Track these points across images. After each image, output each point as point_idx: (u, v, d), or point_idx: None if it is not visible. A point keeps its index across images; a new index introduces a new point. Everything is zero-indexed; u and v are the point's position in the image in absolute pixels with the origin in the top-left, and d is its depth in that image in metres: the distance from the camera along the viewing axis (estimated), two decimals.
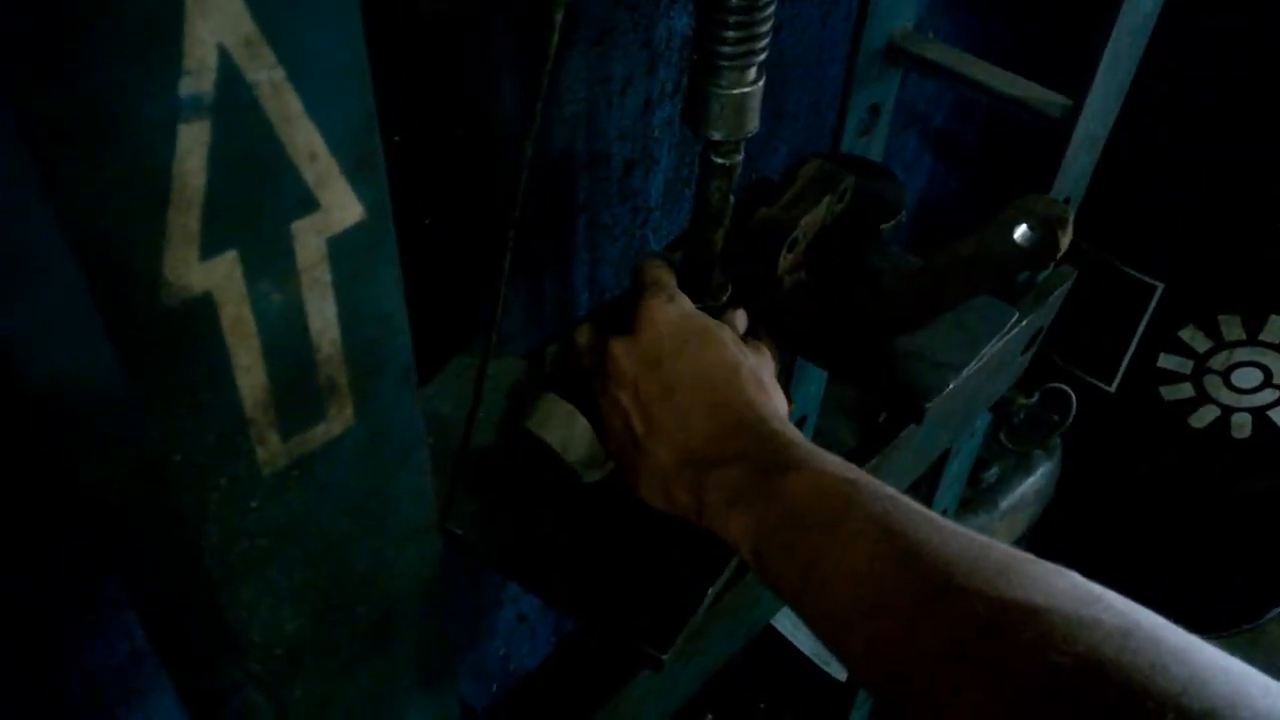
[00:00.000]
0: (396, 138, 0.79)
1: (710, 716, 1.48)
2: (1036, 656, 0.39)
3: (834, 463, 0.54)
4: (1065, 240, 0.64)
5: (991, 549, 0.45)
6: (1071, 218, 0.65)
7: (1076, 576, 0.43)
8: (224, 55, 0.25)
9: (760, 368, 0.63)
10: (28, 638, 0.74)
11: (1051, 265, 0.67)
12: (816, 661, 1.49)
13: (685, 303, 0.65)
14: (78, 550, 0.74)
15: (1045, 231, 0.64)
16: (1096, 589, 0.42)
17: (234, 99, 0.25)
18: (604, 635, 0.62)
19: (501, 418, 0.72)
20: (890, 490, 0.51)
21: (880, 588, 0.46)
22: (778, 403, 0.62)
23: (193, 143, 0.25)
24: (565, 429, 0.63)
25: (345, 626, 0.41)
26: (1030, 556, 0.45)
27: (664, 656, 0.60)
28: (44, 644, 0.76)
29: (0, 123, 0.24)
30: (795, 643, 1.51)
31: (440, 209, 0.87)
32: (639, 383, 0.61)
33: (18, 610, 0.73)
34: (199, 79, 0.25)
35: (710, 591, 0.63)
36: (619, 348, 0.62)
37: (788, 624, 1.51)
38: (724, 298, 0.70)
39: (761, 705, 1.58)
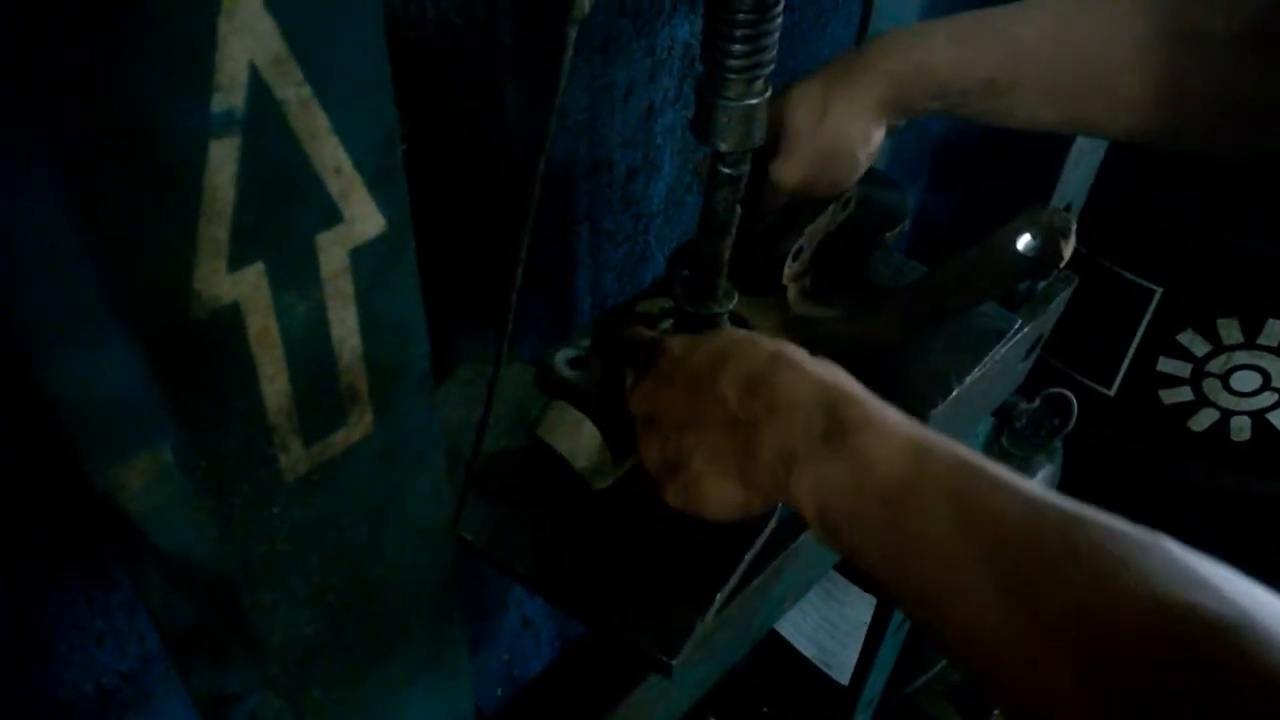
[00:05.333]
0: (402, 146, 0.80)
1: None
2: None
3: (898, 421, 0.51)
4: (1068, 250, 0.65)
5: (1078, 522, 0.42)
6: (1074, 227, 0.66)
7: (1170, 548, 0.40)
8: (254, 73, 0.25)
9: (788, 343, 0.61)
10: (38, 640, 0.75)
11: (1053, 273, 0.68)
12: (819, 665, 1.50)
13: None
14: (89, 552, 0.74)
15: (1049, 241, 0.64)
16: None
17: (263, 115, 0.26)
18: (613, 641, 0.63)
19: (509, 424, 0.73)
20: (964, 454, 0.48)
21: (962, 577, 0.44)
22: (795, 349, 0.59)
23: (223, 158, 0.26)
24: (573, 436, 0.64)
25: (361, 628, 0.42)
26: (1104, 522, 0.42)
27: (673, 662, 0.61)
28: (55, 646, 0.76)
29: (32, 137, 0.25)
30: (798, 646, 1.51)
31: (446, 216, 0.88)
32: (667, 395, 0.59)
33: (29, 612, 0.73)
34: (230, 95, 0.25)
35: (718, 597, 0.64)
36: (638, 392, 0.61)
37: (790, 628, 1.52)
38: (729, 305, 0.71)
39: (765, 709, 1.58)
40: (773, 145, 0.73)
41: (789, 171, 0.74)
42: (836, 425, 0.51)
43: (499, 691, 1.40)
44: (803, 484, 0.52)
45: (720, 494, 0.57)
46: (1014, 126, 0.71)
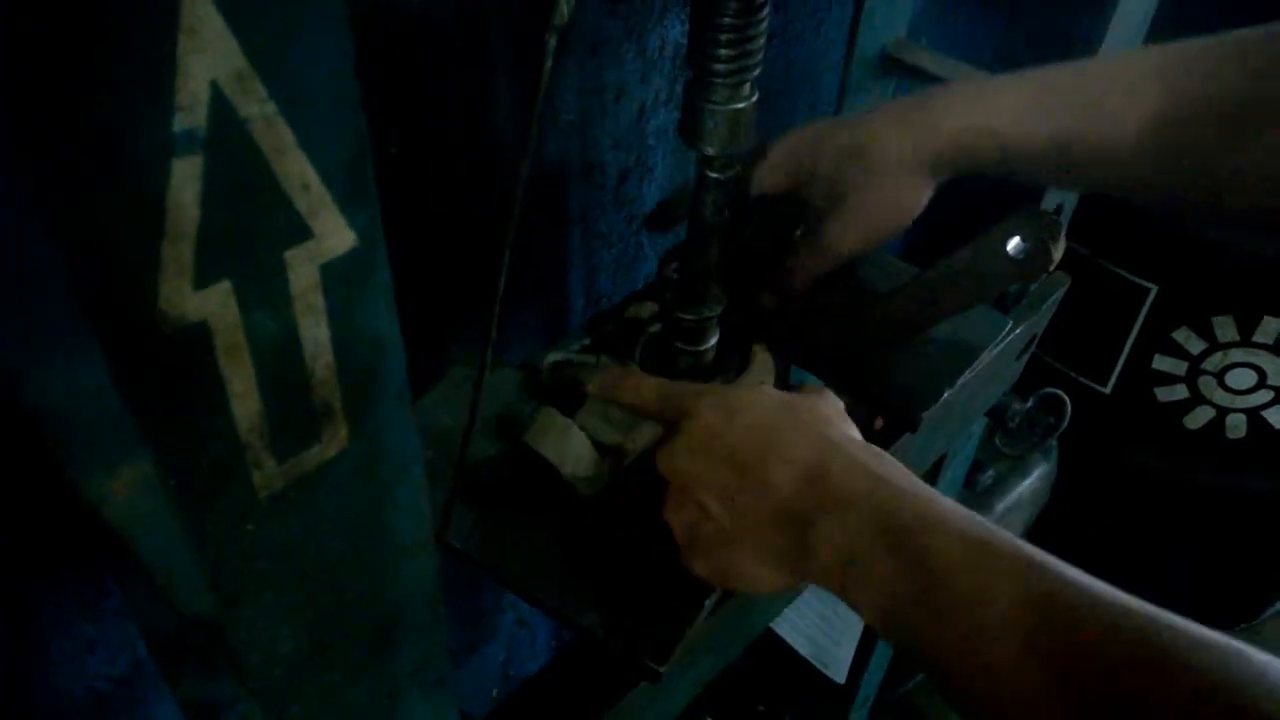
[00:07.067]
0: (392, 150, 0.80)
1: (708, 719, 1.49)
2: None
3: (960, 518, 0.49)
4: (1058, 253, 0.64)
5: (1153, 634, 0.40)
6: (1064, 230, 0.65)
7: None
8: (216, 90, 0.25)
9: (823, 403, 0.60)
10: (30, 646, 0.75)
11: (1043, 275, 0.68)
12: (815, 664, 1.50)
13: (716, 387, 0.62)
14: (81, 560, 0.74)
15: (1038, 244, 0.64)
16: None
17: (227, 133, 0.26)
18: (602, 647, 0.63)
19: (498, 430, 0.72)
20: (1030, 551, 0.46)
21: (1039, 695, 0.41)
22: (855, 434, 0.58)
23: (186, 176, 0.26)
24: (562, 442, 0.64)
25: (343, 643, 0.41)
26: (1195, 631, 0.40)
27: (662, 669, 0.61)
28: (47, 652, 0.76)
29: (1, 155, 0.24)
30: (794, 645, 1.51)
31: (438, 219, 0.88)
32: (706, 468, 0.56)
33: (21, 618, 0.73)
34: (192, 114, 0.25)
35: (708, 602, 0.64)
36: (670, 454, 0.58)
37: (786, 626, 1.52)
38: (719, 309, 0.70)
39: (760, 708, 1.58)
40: (813, 198, 0.69)
41: (841, 238, 0.70)
42: (896, 526, 0.50)
43: (494, 692, 1.40)
44: (862, 587, 0.50)
45: (761, 578, 0.56)
46: (1104, 193, 0.66)
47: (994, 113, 0.65)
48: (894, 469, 0.54)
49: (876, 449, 0.56)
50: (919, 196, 0.70)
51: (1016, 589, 0.44)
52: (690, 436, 0.57)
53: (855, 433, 0.59)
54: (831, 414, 0.58)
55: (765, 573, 0.56)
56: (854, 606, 0.52)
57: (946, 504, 0.50)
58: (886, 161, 0.68)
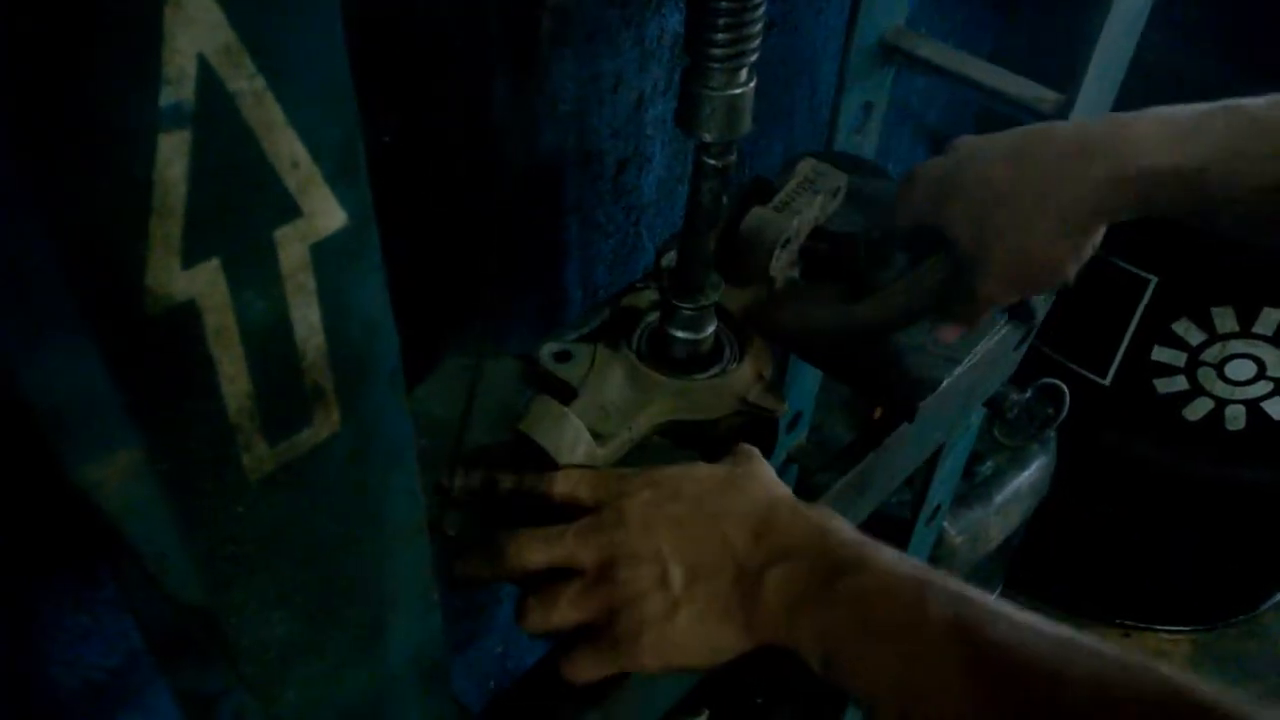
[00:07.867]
0: (386, 139, 0.79)
1: (707, 713, 1.49)
2: None
3: (895, 560, 0.52)
4: None
5: (1075, 650, 0.45)
6: None
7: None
8: (204, 65, 0.25)
9: (758, 466, 0.61)
10: (26, 638, 0.75)
11: None
12: None
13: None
14: (75, 552, 0.74)
15: None
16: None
17: (215, 108, 0.25)
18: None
19: (496, 418, 0.72)
20: (960, 587, 0.50)
21: (973, 709, 0.45)
22: (789, 492, 0.60)
23: (174, 152, 0.25)
24: (557, 430, 0.63)
25: (337, 629, 0.41)
26: (1118, 655, 0.44)
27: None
28: (43, 645, 0.76)
29: None
30: None
31: (432, 208, 0.87)
32: (663, 535, 0.56)
33: (16, 611, 0.73)
34: (179, 88, 0.25)
35: None
36: (616, 529, 0.57)
37: None
38: (716, 297, 0.70)
39: (758, 700, 1.58)
40: (958, 239, 0.67)
41: (995, 289, 0.68)
42: (838, 567, 0.52)
43: (491, 684, 1.40)
44: (805, 628, 0.52)
45: (705, 642, 0.55)
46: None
47: (1161, 153, 0.63)
48: (836, 521, 0.56)
49: (818, 506, 0.58)
50: (1077, 251, 0.66)
51: (948, 614, 0.48)
52: (633, 513, 0.57)
53: (789, 492, 0.60)
54: (767, 474, 0.60)
55: (711, 633, 0.55)
56: (800, 650, 0.53)
57: (886, 550, 0.53)
58: (1044, 218, 0.64)
